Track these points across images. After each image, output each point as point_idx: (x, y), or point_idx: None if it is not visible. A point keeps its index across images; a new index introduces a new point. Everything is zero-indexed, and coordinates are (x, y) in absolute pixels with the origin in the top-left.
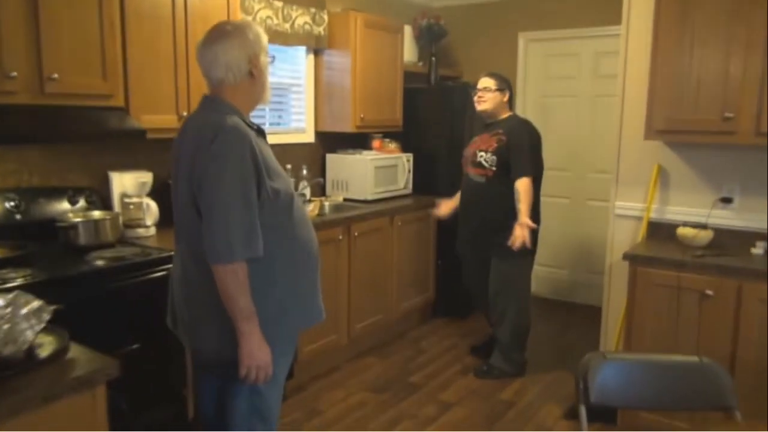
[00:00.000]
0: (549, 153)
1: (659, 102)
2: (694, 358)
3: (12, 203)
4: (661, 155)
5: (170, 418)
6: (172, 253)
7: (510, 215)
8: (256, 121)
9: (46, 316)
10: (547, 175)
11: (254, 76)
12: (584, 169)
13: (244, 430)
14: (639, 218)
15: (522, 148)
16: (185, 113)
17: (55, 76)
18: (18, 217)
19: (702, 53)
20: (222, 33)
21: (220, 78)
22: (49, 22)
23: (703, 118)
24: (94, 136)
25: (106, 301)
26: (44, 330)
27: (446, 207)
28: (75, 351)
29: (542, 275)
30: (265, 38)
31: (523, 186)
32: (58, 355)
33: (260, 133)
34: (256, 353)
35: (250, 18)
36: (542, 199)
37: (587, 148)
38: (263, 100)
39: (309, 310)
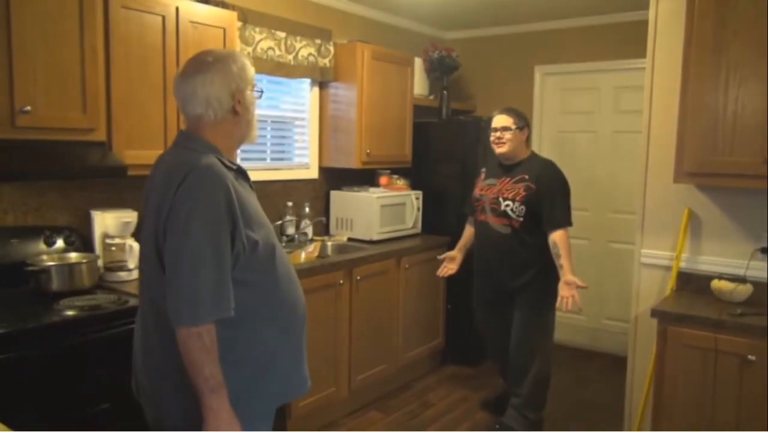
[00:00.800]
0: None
1: (690, 141)
2: None
3: None
4: (691, 199)
5: None
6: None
7: (539, 267)
8: (255, 155)
9: None
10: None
11: (238, 112)
12: (604, 208)
13: None
14: (667, 268)
15: (555, 197)
16: None
17: (28, 108)
18: None
19: (739, 88)
20: (202, 64)
21: (198, 114)
22: (23, 49)
23: (740, 160)
24: (69, 174)
25: (75, 354)
26: None
27: (457, 262)
28: None
29: (560, 320)
30: (251, 70)
31: (562, 239)
32: None
33: (241, 174)
34: None
35: (249, 49)
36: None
37: (607, 187)
38: (249, 138)
39: (290, 381)
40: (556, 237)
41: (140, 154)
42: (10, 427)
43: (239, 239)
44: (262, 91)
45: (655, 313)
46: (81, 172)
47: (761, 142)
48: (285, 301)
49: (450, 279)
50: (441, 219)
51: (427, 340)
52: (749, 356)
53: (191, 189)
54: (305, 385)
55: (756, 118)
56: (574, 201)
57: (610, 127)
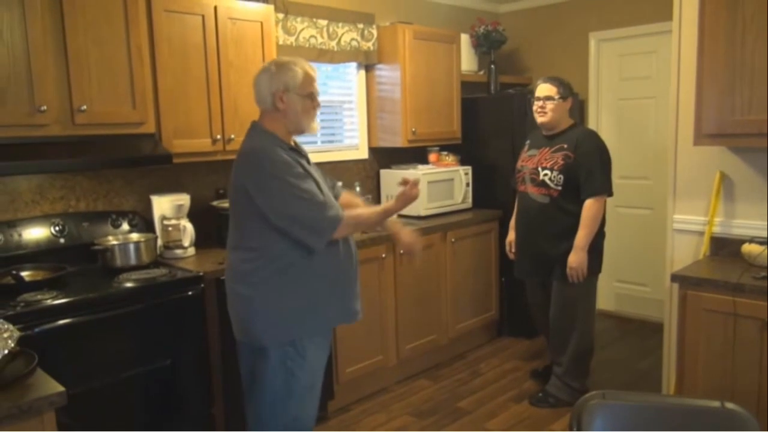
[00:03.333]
0: (626, 160)
1: (708, 102)
2: (715, 403)
3: (57, 228)
4: (723, 161)
5: None
6: (201, 273)
7: (574, 237)
8: (306, 139)
9: (11, 343)
10: (627, 185)
11: (279, 109)
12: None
13: (276, 405)
14: (701, 233)
15: (592, 165)
16: (219, 137)
17: (84, 107)
18: (62, 241)
19: (755, 43)
20: (263, 68)
21: (259, 107)
22: (77, 55)
23: (759, 118)
24: (123, 163)
25: (133, 319)
26: (15, 355)
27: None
28: (37, 378)
29: (623, 291)
30: (305, 78)
31: (591, 210)
32: (17, 380)
33: (298, 153)
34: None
35: (292, 39)
36: (620, 210)
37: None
38: (301, 130)
39: (345, 308)
40: (585, 206)
41: (187, 143)
42: (76, 384)
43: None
44: (313, 98)
45: (675, 278)
46: (133, 162)
47: None
48: (343, 242)
49: (504, 252)
50: (492, 193)
51: (480, 312)
52: None
53: (255, 165)
54: (357, 315)
55: None
56: (635, 170)
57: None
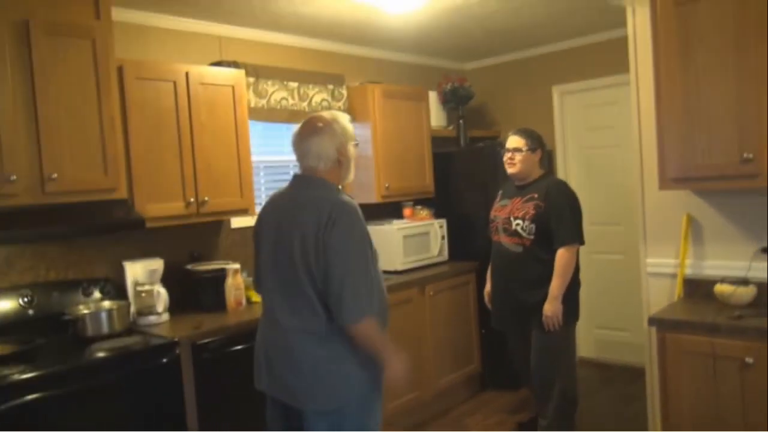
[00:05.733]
0: (596, 207)
1: (669, 148)
2: None
3: (25, 299)
4: (689, 204)
5: None
6: (176, 339)
7: (549, 286)
8: None
9: None
10: (599, 231)
11: (341, 162)
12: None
13: None
14: (674, 275)
15: (563, 214)
16: (192, 199)
17: (55, 176)
18: (31, 312)
19: (709, 92)
20: (314, 128)
21: (312, 166)
22: (48, 123)
23: (719, 162)
24: (94, 230)
25: (107, 391)
26: None
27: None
28: None
29: (598, 337)
30: (350, 129)
31: (563, 259)
32: None
33: None
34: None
35: (263, 102)
36: (594, 256)
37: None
38: (348, 179)
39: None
40: (557, 255)
41: (160, 207)
42: None
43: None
44: (357, 143)
45: (652, 321)
46: (105, 228)
47: (737, 142)
48: (384, 294)
49: (483, 303)
50: (468, 245)
51: (462, 366)
52: (747, 359)
53: (347, 221)
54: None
55: (728, 119)
56: (606, 216)
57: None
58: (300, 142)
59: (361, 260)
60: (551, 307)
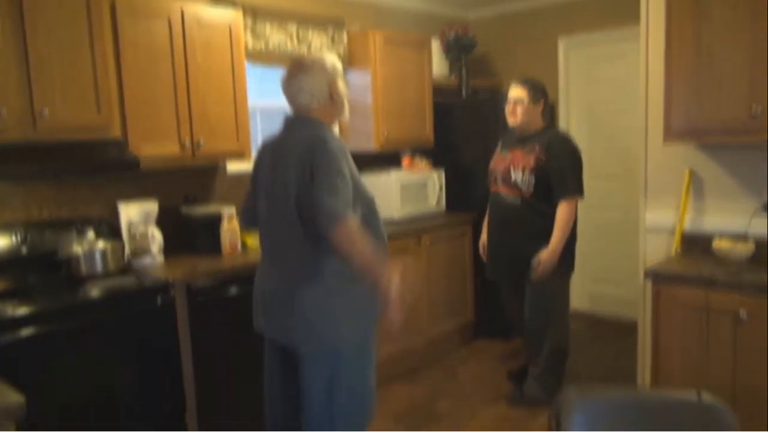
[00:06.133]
0: (597, 162)
1: (677, 101)
2: (692, 396)
3: (19, 237)
4: (692, 159)
5: None
6: (170, 280)
7: (547, 239)
8: None
9: None
10: (599, 187)
11: (334, 99)
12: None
13: (351, 404)
14: (672, 231)
15: (564, 168)
16: (188, 142)
17: (46, 112)
18: (24, 250)
19: (722, 44)
20: (303, 66)
21: (305, 104)
22: (39, 59)
23: (727, 115)
24: (87, 170)
25: (101, 329)
26: None
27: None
28: None
29: (592, 291)
30: (339, 66)
31: (564, 212)
32: None
33: None
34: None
35: (261, 44)
36: (593, 212)
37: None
38: (343, 116)
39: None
40: (558, 208)
41: (154, 148)
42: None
43: (359, 190)
44: (348, 82)
45: (648, 274)
46: (99, 168)
47: (746, 95)
48: (383, 241)
49: (478, 254)
50: (466, 196)
51: (456, 315)
52: (741, 313)
53: (327, 154)
54: None
55: (739, 73)
56: (608, 170)
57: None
58: (290, 81)
59: (336, 169)
60: (548, 258)
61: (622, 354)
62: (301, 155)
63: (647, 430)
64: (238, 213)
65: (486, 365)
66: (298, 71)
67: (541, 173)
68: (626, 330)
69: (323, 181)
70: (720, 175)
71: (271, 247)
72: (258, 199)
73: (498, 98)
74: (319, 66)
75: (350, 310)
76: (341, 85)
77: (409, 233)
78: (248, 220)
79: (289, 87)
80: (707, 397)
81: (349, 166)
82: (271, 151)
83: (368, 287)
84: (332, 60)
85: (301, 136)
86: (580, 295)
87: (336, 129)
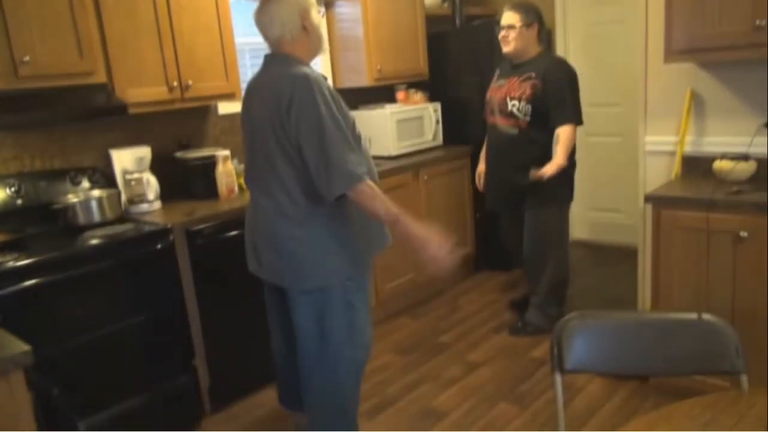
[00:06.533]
0: (596, 88)
1: (678, 17)
2: (692, 316)
3: (12, 189)
4: (693, 79)
5: (183, 389)
6: (169, 225)
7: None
8: None
9: None
10: (597, 113)
11: (307, 29)
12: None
13: (343, 342)
14: (673, 153)
15: (562, 94)
16: (176, 84)
17: (27, 58)
18: (19, 202)
19: None
20: None
21: (277, 36)
22: (13, 3)
23: (730, 30)
24: (74, 117)
25: (103, 277)
26: None
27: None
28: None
29: (592, 219)
30: None
31: (565, 132)
32: None
33: (324, 79)
34: (426, 236)
35: None
36: (591, 139)
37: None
38: (320, 51)
39: (380, 235)
40: (559, 131)
41: (142, 92)
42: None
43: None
44: (324, 13)
45: (649, 198)
46: (86, 114)
47: (750, 7)
48: (372, 171)
49: (477, 187)
50: (463, 129)
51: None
52: (742, 233)
53: (305, 92)
54: (389, 240)
55: None
56: (606, 97)
57: None
58: (261, 13)
59: (333, 128)
60: (550, 170)
61: (623, 280)
62: (281, 97)
63: (648, 350)
64: (232, 156)
65: (488, 297)
66: (267, 1)
67: (537, 101)
68: (626, 256)
69: (323, 138)
70: (722, 94)
71: (258, 189)
72: (245, 141)
73: (493, 26)
74: None
75: (339, 249)
76: (315, 15)
77: (406, 168)
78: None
79: (261, 19)
80: (708, 317)
81: (335, 101)
82: (253, 92)
83: (358, 224)
84: None
85: (279, 73)
86: (580, 223)
87: (323, 65)
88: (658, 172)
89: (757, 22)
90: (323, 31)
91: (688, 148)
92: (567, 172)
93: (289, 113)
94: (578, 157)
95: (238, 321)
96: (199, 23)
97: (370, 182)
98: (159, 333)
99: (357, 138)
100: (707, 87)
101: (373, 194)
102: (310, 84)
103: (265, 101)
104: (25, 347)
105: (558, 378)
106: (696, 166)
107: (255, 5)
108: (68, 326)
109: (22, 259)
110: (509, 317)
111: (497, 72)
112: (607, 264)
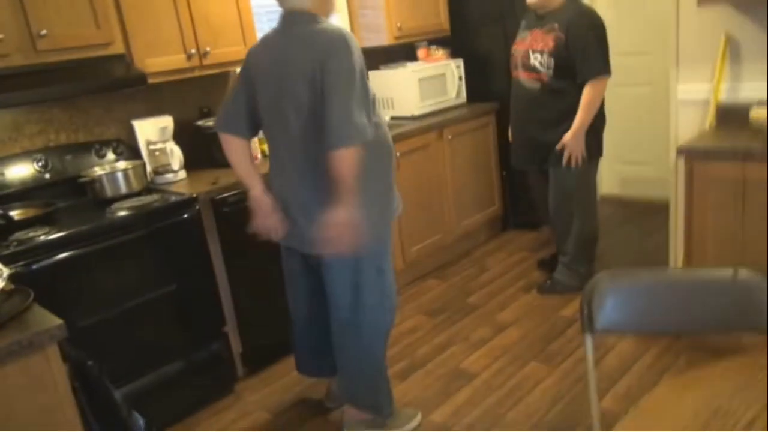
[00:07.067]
0: (624, 36)
1: None
2: (727, 272)
3: (40, 163)
4: (728, 22)
5: (216, 355)
6: (195, 195)
7: (572, 122)
8: None
9: (1, 282)
10: (625, 62)
11: None
12: None
13: (375, 306)
14: (706, 102)
15: (587, 45)
16: (194, 51)
17: (44, 32)
18: (47, 176)
19: None
20: None
21: (300, 4)
22: None
23: None
24: (94, 89)
25: (132, 248)
26: (10, 294)
27: None
28: (35, 314)
29: (621, 173)
30: None
31: (589, 95)
32: (14, 317)
33: None
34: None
35: None
36: (618, 89)
37: None
38: (334, 9)
39: (396, 198)
40: (585, 90)
41: (160, 61)
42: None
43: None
44: None
45: (681, 151)
46: (106, 86)
47: None
48: (387, 134)
49: (503, 145)
50: (487, 85)
51: (483, 208)
52: None
53: (341, 48)
54: (400, 206)
55: None
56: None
57: None
58: None
59: (355, 86)
60: (573, 141)
61: (654, 236)
62: (317, 52)
63: (681, 308)
64: None
65: (516, 256)
66: None
67: (561, 54)
68: (657, 211)
69: (342, 92)
70: (759, 36)
71: (285, 155)
72: (260, 103)
73: None
74: None
75: (370, 214)
76: None
77: (430, 128)
78: (229, 124)
79: None
80: (743, 273)
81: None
82: (268, 49)
83: (382, 189)
84: None
85: (303, 31)
86: (608, 177)
87: (340, 24)
88: (690, 123)
89: None
90: None
91: (724, 96)
92: (595, 128)
93: (326, 64)
94: (606, 108)
95: (265, 287)
96: None
97: (354, 153)
98: (189, 301)
99: (374, 99)
100: (743, 30)
101: (354, 163)
102: (346, 40)
103: (291, 58)
104: (58, 321)
105: (589, 339)
106: (732, 116)
107: None
108: (100, 298)
109: (53, 233)
110: (538, 276)
111: (522, 24)
112: (637, 219)
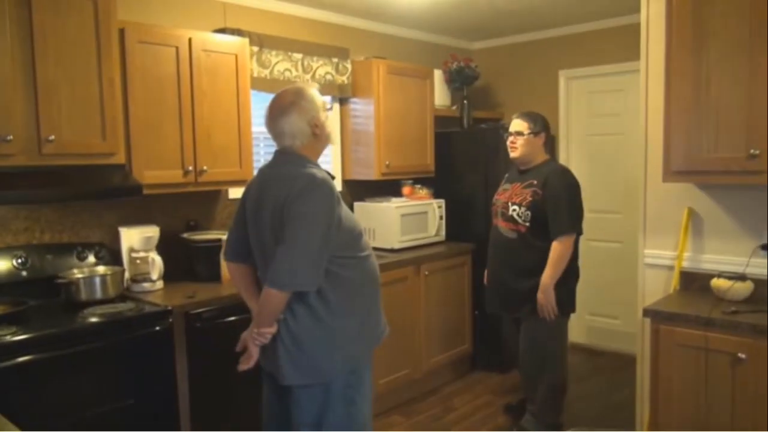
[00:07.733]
0: (597, 195)
1: (676, 141)
2: None
3: (19, 260)
4: (691, 197)
5: None
6: (169, 307)
7: (542, 275)
8: None
9: None
10: (598, 219)
11: (317, 134)
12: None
13: None
14: (671, 267)
15: (559, 204)
16: (191, 168)
17: (52, 137)
18: (24, 273)
19: (720, 85)
20: (282, 109)
21: (288, 144)
22: (47, 86)
23: (726, 156)
24: (91, 195)
25: (98, 356)
26: None
27: None
28: None
29: (590, 324)
30: (319, 98)
31: (556, 251)
32: None
33: (332, 179)
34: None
35: (266, 72)
36: (591, 243)
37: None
38: (331, 143)
39: (378, 327)
40: (553, 245)
41: (158, 174)
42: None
43: (343, 230)
44: (331, 107)
45: (647, 312)
46: (103, 194)
47: (745, 136)
48: (370, 268)
49: (477, 286)
50: (466, 227)
51: (453, 346)
52: (740, 355)
53: (315, 195)
54: (386, 330)
55: (737, 114)
56: (608, 205)
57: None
58: (271, 123)
59: (309, 233)
60: (544, 296)
61: (622, 387)
62: (288, 193)
63: None
64: None
65: (483, 398)
66: (278, 114)
67: (537, 208)
68: (626, 363)
69: (294, 233)
70: (719, 214)
71: (261, 275)
72: (246, 227)
73: (499, 130)
74: (297, 107)
75: (339, 343)
76: (323, 117)
77: (408, 262)
78: (231, 252)
79: (272, 129)
80: None
81: (337, 200)
82: (258, 182)
83: (358, 319)
84: (311, 95)
85: (287, 170)
86: (578, 327)
87: (333, 158)
88: (656, 285)
89: (752, 151)
90: (333, 125)
91: (686, 264)
92: (568, 283)
93: (290, 206)
94: (579, 261)
95: (227, 412)
96: (219, 112)
97: (280, 296)
98: (146, 418)
99: (358, 236)
100: (705, 206)
101: (277, 305)
102: (317, 186)
103: (271, 193)
104: (14, 430)
105: None
106: (693, 282)
107: (272, 96)
108: (56, 406)
109: (19, 334)
110: (504, 422)
111: (506, 176)
112: (604, 371)
